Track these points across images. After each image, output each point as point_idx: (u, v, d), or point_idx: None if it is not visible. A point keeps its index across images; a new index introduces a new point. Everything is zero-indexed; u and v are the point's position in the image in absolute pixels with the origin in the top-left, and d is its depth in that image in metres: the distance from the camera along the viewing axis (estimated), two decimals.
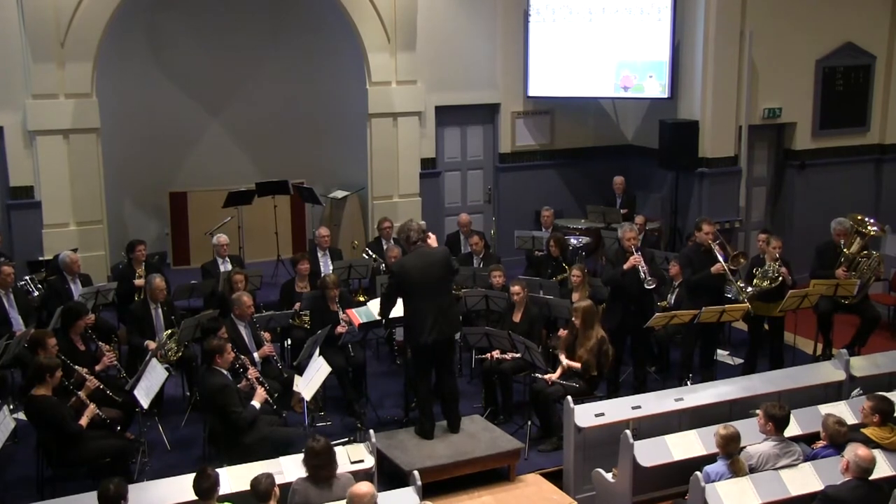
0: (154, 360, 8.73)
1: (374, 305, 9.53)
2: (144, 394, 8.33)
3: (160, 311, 9.86)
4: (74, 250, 11.10)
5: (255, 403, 8.23)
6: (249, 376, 8.67)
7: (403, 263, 8.66)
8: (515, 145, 14.79)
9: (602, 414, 8.20)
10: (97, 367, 8.82)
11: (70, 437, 7.84)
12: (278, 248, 13.62)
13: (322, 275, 11.10)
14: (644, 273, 9.68)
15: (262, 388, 8.43)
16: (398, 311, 8.81)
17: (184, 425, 9.50)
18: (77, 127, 12.09)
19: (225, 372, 8.33)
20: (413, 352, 8.84)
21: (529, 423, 9.27)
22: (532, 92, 14.52)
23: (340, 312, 9.99)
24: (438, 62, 13.88)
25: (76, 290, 10.50)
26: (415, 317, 8.57)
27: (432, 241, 8.91)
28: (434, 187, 14.27)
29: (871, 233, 11.01)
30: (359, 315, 9.48)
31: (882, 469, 7.16)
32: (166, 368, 9.00)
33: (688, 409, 8.35)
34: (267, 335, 9.72)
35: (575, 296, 10.67)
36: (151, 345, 9.51)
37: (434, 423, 8.81)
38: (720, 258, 10.00)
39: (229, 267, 11.24)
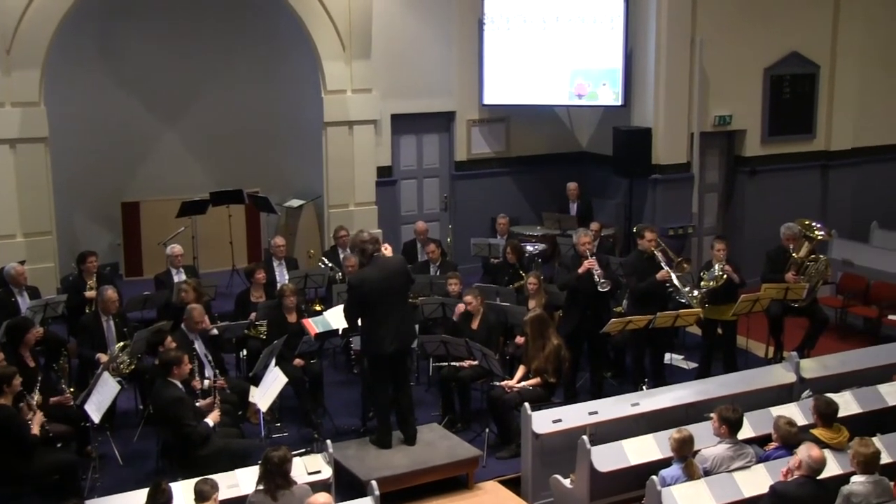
0: (106, 374, 8.60)
1: (330, 315, 9.48)
2: (96, 408, 8.20)
3: (112, 323, 9.71)
4: (22, 262, 10.89)
5: (209, 421, 8.13)
6: (207, 387, 8.59)
7: (363, 277, 8.60)
8: (471, 153, 14.79)
9: (559, 420, 8.21)
10: (52, 400, 8.59)
11: (24, 450, 7.69)
12: (233, 258, 13.51)
13: (278, 284, 11.05)
14: (598, 276, 9.73)
15: (218, 411, 8.32)
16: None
17: (137, 439, 9.36)
18: (24, 136, 11.86)
19: (179, 384, 8.23)
20: (372, 362, 8.81)
21: (487, 430, 9.26)
22: (487, 100, 14.54)
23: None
24: (394, 70, 13.85)
25: (24, 303, 10.31)
26: (375, 328, 8.53)
27: (388, 250, 8.89)
28: (390, 195, 14.23)
29: (819, 237, 11.16)
30: (315, 325, 9.42)
31: (831, 468, 7.25)
32: (118, 382, 8.87)
33: (644, 413, 8.40)
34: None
35: (531, 303, 10.68)
36: (103, 358, 9.37)
37: (391, 433, 8.78)
38: (663, 265, 10.06)
39: (183, 277, 11.12)
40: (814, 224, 11.30)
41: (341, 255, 12.09)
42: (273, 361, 9.01)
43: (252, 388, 9.05)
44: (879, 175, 15.55)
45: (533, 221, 14.71)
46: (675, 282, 10.14)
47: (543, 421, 8.21)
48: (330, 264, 11.97)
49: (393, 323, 8.50)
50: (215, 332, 9.73)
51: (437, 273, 11.87)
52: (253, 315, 10.58)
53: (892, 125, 15.59)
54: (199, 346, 9.32)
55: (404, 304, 8.76)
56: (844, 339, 12.30)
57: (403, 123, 14.27)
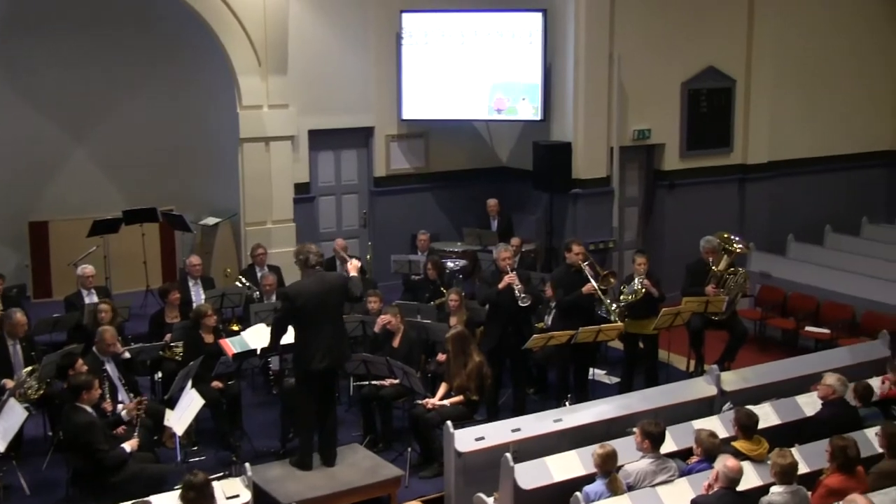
0: (12, 400, 8.36)
1: (248, 335, 9.37)
2: (1, 436, 7.96)
3: (18, 347, 9.46)
4: None
5: (126, 447, 7.95)
6: (124, 414, 8.40)
7: (300, 288, 8.57)
8: (390, 169, 14.78)
9: (482, 438, 8.21)
10: None
11: None
12: (147, 278, 13.31)
13: (193, 304, 10.90)
14: (519, 291, 9.78)
15: (136, 440, 8.14)
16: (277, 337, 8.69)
17: (45, 467, 9.12)
18: None
19: (90, 409, 8.03)
20: (301, 379, 8.73)
21: (409, 449, 9.23)
22: (406, 115, 14.55)
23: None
24: (311, 86, 13.78)
25: None
26: (308, 343, 8.46)
27: (353, 267, 8.87)
28: (308, 212, 14.14)
29: (737, 250, 11.38)
30: (232, 345, 9.31)
31: (751, 480, 7.38)
32: (26, 408, 8.63)
33: (567, 429, 8.43)
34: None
35: (453, 319, 10.70)
36: (9, 383, 9.10)
37: (313, 454, 8.69)
38: (590, 279, 10.16)
39: (95, 299, 10.91)
40: (732, 237, 11.51)
41: (259, 274, 11.98)
42: (189, 383, 8.87)
43: (167, 411, 8.88)
44: (794, 188, 15.92)
45: (453, 237, 14.74)
46: (600, 295, 10.24)
47: (466, 439, 8.19)
48: (247, 283, 11.84)
49: (326, 339, 8.45)
50: (128, 354, 9.55)
51: None
52: (168, 336, 10.42)
53: (805, 139, 15.99)
54: (111, 369, 9.13)
55: (339, 321, 8.71)
56: (764, 351, 12.53)
57: (321, 139, 14.20)
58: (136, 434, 8.26)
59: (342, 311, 8.88)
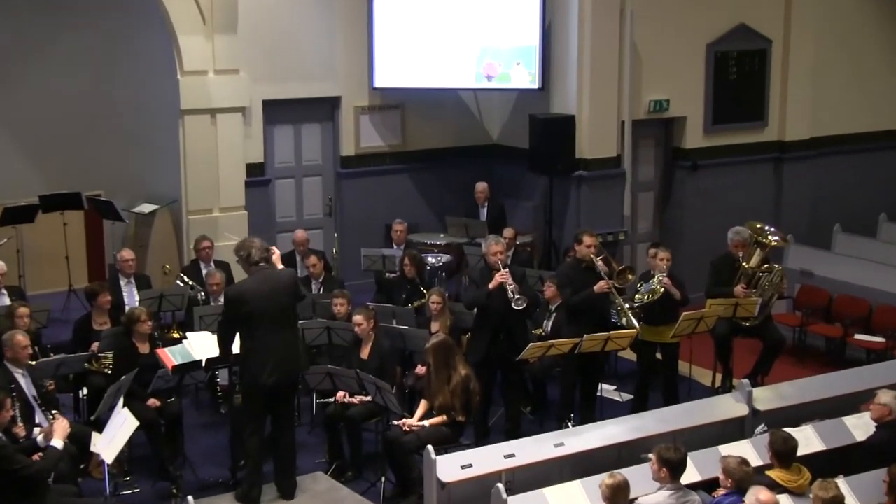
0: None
1: (191, 343, 9.34)
2: None
3: None
4: None
5: (57, 442, 7.90)
6: (40, 440, 8.36)
7: (242, 289, 8.58)
8: (360, 147, 14.75)
9: (469, 465, 8.19)
10: None
11: None
12: (70, 277, 13.29)
13: (126, 308, 10.86)
14: (512, 292, 9.77)
15: (64, 422, 8.12)
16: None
17: None
18: None
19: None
20: (246, 395, 8.72)
21: (383, 479, 9.23)
22: (379, 83, 14.52)
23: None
24: (265, 48, 13.74)
25: None
26: (253, 353, 8.46)
27: (276, 258, 8.85)
28: (263, 198, 14.11)
29: (772, 243, 11.38)
30: (172, 356, 9.27)
31: None
32: None
33: (570, 455, 8.42)
34: (51, 384, 9.40)
35: (434, 325, 10.68)
36: None
37: (261, 486, 8.67)
38: (603, 275, 10.15)
39: (6, 301, 10.85)
40: (766, 228, 11.52)
41: (204, 272, 11.94)
42: (121, 402, 8.83)
43: (94, 435, 8.84)
44: (842, 169, 15.99)
45: (435, 228, 14.73)
46: (616, 296, 10.25)
47: (450, 466, 8.17)
48: (190, 282, 11.81)
49: (275, 349, 8.44)
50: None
51: (321, 291, 11.80)
52: (95, 346, 10.37)
53: (855, 111, 16.05)
54: (25, 384, 9.06)
55: (290, 327, 8.70)
56: (804, 364, 12.58)
57: (278, 111, 14.16)
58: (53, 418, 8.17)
59: (294, 314, 8.84)
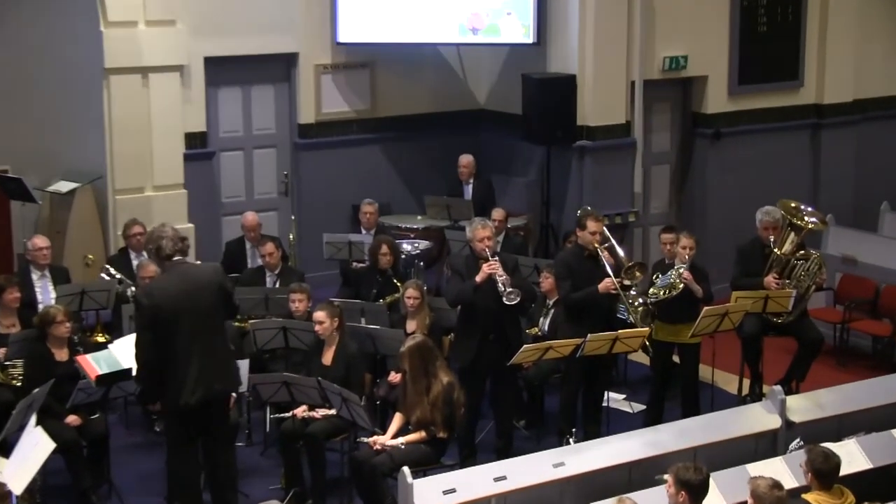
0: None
1: (119, 349, 9.29)
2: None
3: None
4: None
5: None
6: None
7: (153, 289, 8.52)
8: (321, 113, 14.73)
9: (453, 490, 8.18)
10: None
11: None
12: None
13: (39, 307, 10.83)
14: (503, 284, 9.76)
15: None
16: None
17: None
18: None
19: None
20: (170, 417, 8.66)
21: None
22: (343, 37, 14.50)
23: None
24: None
25: None
26: (172, 367, 8.37)
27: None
28: (206, 175, 14.09)
29: (809, 226, 11.40)
30: (97, 364, 9.22)
31: None
32: None
33: (571, 477, 8.42)
34: None
35: (411, 324, 10.69)
36: None
37: None
38: (609, 271, 10.15)
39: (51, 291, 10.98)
40: (802, 207, 11.54)
41: (134, 262, 11.90)
42: (33, 419, 8.78)
43: (1, 460, 8.79)
44: (890, 138, 16.07)
45: (411, 209, 14.74)
46: (622, 295, 10.25)
47: (430, 491, 8.15)
48: (118, 275, 11.76)
49: (195, 361, 8.35)
50: None
51: (276, 284, 11.79)
52: (2, 352, 10.33)
53: None
54: None
55: (215, 334, 8.59)
56: (846, 367, 12.63)
57: (223, 71, 14.14)
58: None
59: (221, 317, 8.76)
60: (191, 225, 13.26)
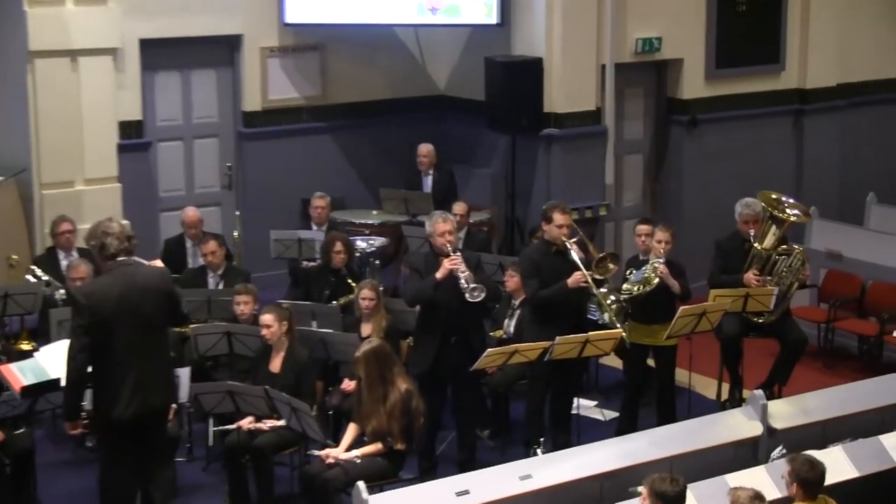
0: None
1: (46, 357, 9.20)
2: None
3: None
4: None
5: None
6: None
7: (93, 290, 8.43)
8: (268, 100, 14.72)
9: None
10: None
11: None
12: None
13: None
14: (466, 281, 9.76)
15: None
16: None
17: None
18: None
19: None
20: (103, 435, 8.61)
21: None
22: (291, 17, 14.48)
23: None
24: None
25: None
26: (106, 377, 8.31)
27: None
28: (142, 167, 14.04)
29: (792, 219, 11.43)
30: (21, 374, 9.10)
31: None
32: None
33: (539, 490, 8.43)
34: None
35: (366, 327, 10.68)
36: None
37: None
38: (579, 264, 10.16)
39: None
40: (784, 199, 11.58)
41: (64, 262, 11.87)
42: None
43: None
44: (877, 125, 16.18)
45: (366, 203, 14.75)
46: (594, 289, 10.26)
47: None
48: (45, 277, 11.69)
49: (134, 372, 8.27)
50: None
51: (220, 285, 11.77)
52: None
53: (893, 51, 16.17)
54: None
55: (157, 344, 8.51)
56: (832, 369, 12.70)
57: (161, 54, 14.11)
58: None
59: (164, 326, 8.69)
60: (125, 222, 13.09)
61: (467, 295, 9.75)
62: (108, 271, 8.44)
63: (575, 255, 10.21)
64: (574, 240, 10.39)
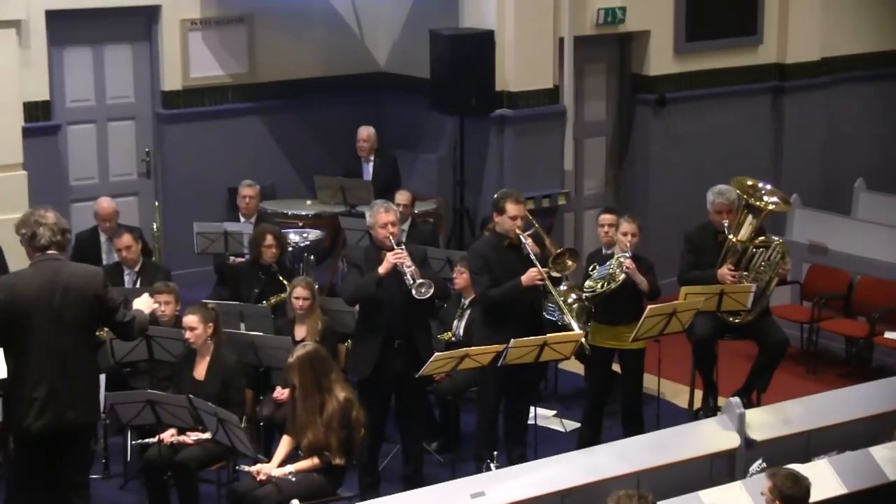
0: None
1: None
2: None
3: None
4: None
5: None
6: None
7: (13, 283, 8.39)
8: (189, 78, 14.70)
9: None
10: None
11: None
12: None
13: None
14: (411, 276, 9.75)
15: None
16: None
17: None
18: None
19: None
20: (15, 444, 8.58)
21: None
22: None
23: None
24: None
25: None
26: (18, 382, 8.26)
27: (147, 306, 8.79)
28: (50, 152, 13.99)
29: (769, 207, 11.47)
30: None
31: None
32: None
33: None
34: None
35: (300, 330, 10.69)
36: None
37: None
38: (534, 260, 10.18)
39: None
40: (761, 186, 11.62)
41: None
42: None
43: None
44: (865, 103, 16.30)
45: (299, 192, 14.76)
46: (550, 288, 10.27)
47: None
48: None
49: (49, 379, 8.21)
50: None
51: (136, 284, 11.71)
52: None
53: (883, 24, 16.31)
54: None
55: (79, 353, 8.44)
56: (816, 374, 12.82)
57: (71, 28, 14.05)
58: None
59: (89, 334, 8.63)
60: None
61: (414, 291, 9.75)
62: (34, 264, 8.40)
63: (529, 250, 10.23)
64: (529, 233, 10.41)
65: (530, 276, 10.14)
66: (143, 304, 8.86)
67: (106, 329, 10.56)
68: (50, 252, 8.35)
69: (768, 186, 11.68)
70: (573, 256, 10.53)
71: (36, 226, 8.34)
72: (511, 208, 10.27)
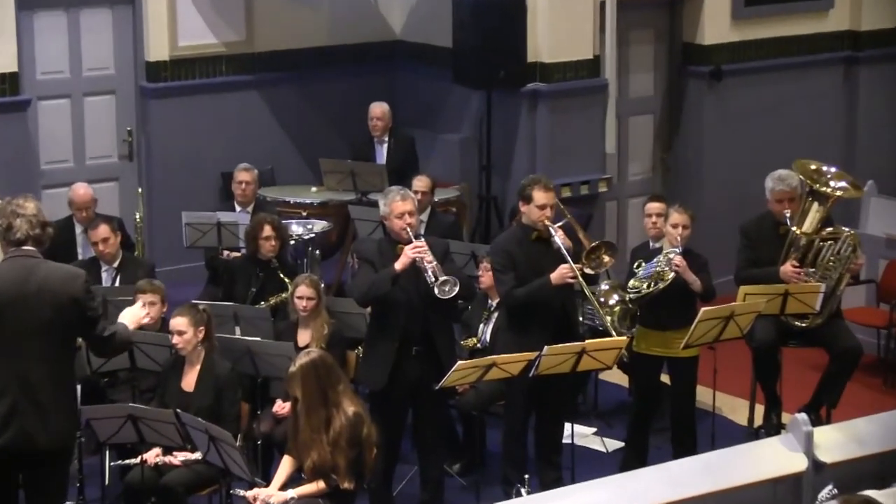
0: None
1: None
2: None
3: None
4: None
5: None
6: None
7: None
8: (178, 47, 14.74)
9: None
10: None
11: None
12: None
13: None
14: (432, 272, 9.72)
15: None
16: None
17: None
18: None
19: None
20: None
21: None
22: None
23: None
24: None
25: None
26: None
27: (134, 321, 8.77)
28: (18, 131, 14.07)
29: (837, 194, 11.43)
30: None
31: None
32: None
33: None
34: None
35: (303, 335, 10.71)
36: None
37: None
38: (565, 254, 10.16)
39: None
40: (828, 170, 11.58)
41: None
42: None
43: None
44: None
45: (304, 178, 14.80)
46: (584, 287, 10.25)
47: None
48: None
49: (13, 391, 8.19)
50: None
51: (116, 282, 11.78)
52: None
53: None
54: None
55: (53, 364, 8.42)
56: (894, 387, 12.77)
57: None
58: None
59: (65, 342, 8.61)
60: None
61: (436, 290, 9.70)
62: (5, 259, 8.35)
63: (560, 244, 10.19)
64: (560, 224, 10.36)
65: (561, 273, 10.09)
66: (131, 316, 8.79)
67: None
68: (26, 248, 8.31)
69: (833, 170, 11.61)
70: (610, 251, 10.49)
71: (12, 216, 8.30)
72: (539, 196, 10.22)
